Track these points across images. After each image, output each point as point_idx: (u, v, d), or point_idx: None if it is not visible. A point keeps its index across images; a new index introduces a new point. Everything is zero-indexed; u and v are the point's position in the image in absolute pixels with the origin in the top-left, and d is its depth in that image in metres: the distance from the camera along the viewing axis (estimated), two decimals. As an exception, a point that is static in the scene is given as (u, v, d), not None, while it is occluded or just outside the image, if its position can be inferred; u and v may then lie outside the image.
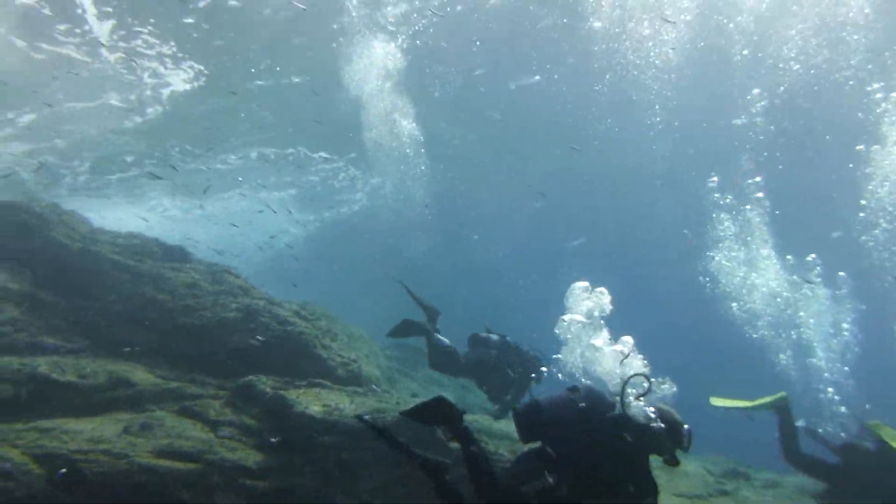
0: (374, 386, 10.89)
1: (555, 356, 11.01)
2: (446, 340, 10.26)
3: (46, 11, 12.40)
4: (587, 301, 7.19)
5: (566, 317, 7.96)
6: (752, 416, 9.86)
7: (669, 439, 4.46)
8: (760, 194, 16.16)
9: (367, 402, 9.05)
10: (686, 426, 4.49)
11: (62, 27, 12.98)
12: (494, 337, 10.10)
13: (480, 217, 31.35)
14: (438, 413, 4.66)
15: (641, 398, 4.60)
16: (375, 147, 19.44)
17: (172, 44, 14.11)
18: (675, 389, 5.02)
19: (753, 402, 9.66)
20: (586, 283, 8.22)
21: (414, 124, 18.19)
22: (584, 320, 7.59)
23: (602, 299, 7.70)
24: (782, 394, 9.63)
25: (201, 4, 12.96)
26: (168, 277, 11.12)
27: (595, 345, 7.41)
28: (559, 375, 9.01)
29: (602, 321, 7.14)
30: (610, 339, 7.22)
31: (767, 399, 9.67)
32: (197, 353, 10.23)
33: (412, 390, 14.66)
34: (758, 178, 16.66)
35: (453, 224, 30.84)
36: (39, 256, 10.84)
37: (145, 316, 10.53)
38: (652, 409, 4.59)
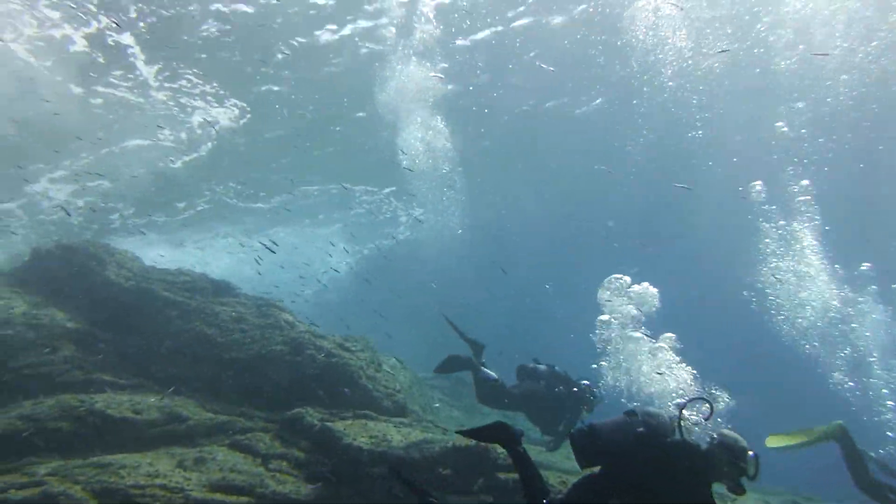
0: (419, 416, 10.86)
1: (594, 365, 10.85)
2: (493, 373, 10.13)
3: (100, 59, 13.06)
4: (626, 298, 7.07)
5: (604, 317, 7.80)
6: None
7: (733, 466, 4.30)
8: (807, 197, 15.62)
9: (413, 433, 9.04)
10: (751, 452, 4.31)
11: (116, 72, 13.64)
12: (542, 367, 9.92)
13: (519, 243, 31.30)
14: (497, 434, 4.63)
15: (702, 422, 4.48)
16: (415, 177, 19.67)
17: (215, 84, 14.65)
18: (732, 402, 4.88)
19: (810, 437, 9.26)
20: (626, 278, 7.98)
21: (450, 147, 18.35)
22: (625, 313, 7.40)
23: (646, 296, 7.52)
24: (838, 423, 9.23)
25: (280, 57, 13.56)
26: (216, 312, 11.39)
27: (634, 336, 7.22)
28: (599, 387, 8.84)
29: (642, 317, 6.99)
30: (650, 338, 7.00)
31: (823, 429, 9.27)
32: (245, 386, 10.40)
33: (456, 420, 14.58)
34: (805, 182, 16.12)
35: (493, 251, 30.84)
36: (95, 295, 11.25)
37: (195, 351, 10.78)
38: (715, 434, 4.46)
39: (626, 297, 7.88)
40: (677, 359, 6.21)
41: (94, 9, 11.71)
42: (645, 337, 6.85)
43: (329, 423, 8.68)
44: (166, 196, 20.96)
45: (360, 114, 17.27)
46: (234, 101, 15.61)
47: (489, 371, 10.18)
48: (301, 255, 29.90)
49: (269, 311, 11.83)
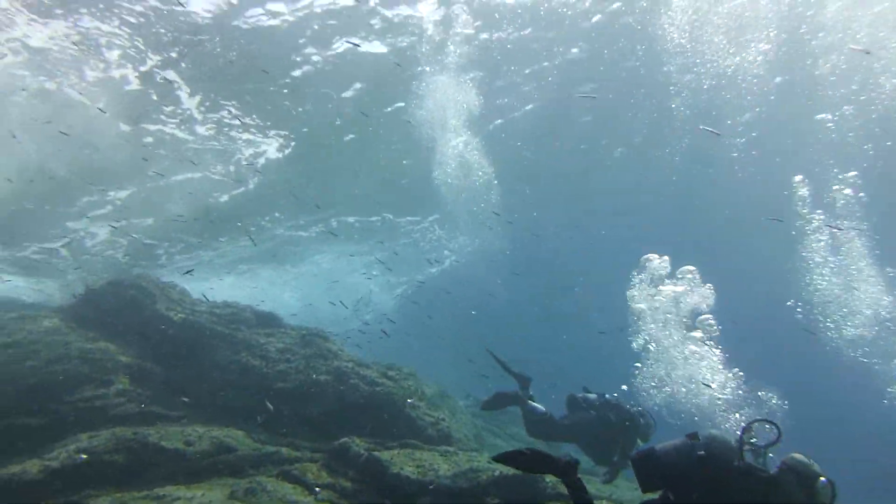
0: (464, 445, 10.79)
1: (636, 364, 10.62)
2: (541, 407, 9.92)
3: (154, 97, 13.48)
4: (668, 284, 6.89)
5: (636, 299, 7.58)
6: None
7: (804, 494, 4.09)
8: (853, 199, 14.97)
9: (460, 461, 8.98)
10: (823, 479, 4.07)
11: (166, 108, 14.03)
12: (592, 396, 9.59)
13: (562, 266, 30.87)
14: (551, 465, 4.45)
15: (769, 445, 4.32)
16: (456, 204, 19.74)
17: (255, 116, 14.95)
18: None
19: None
20: (663, 258, 7.69)
21: (493, 176, 18.37)
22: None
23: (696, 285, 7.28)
24: None
25: (296, 73, 13.75)
26: (262, 343, 11.59)
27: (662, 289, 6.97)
28: (651, 415, 8.61)
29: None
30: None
31: None
32: (291, 415, 10.52)
33: (500, 448, 14.40)
34: (852, 173, 15.39)
35: (536, 274, 30.54)
36: (145, 329, 11.57)
37: (242, 382, 10.97)
38: (785, 458, 4.27)
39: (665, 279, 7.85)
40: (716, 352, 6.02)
41: (143, 47, 12.10)
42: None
43: (376, 453, 8.69)
44: (211, 231, 21.40)
45: (396, 145, 17.40)
46: (276, 132, 15.90)
47: (537, 404, 9.99)
48: (346, 287, 30.16)
49: (313, 341, 11.99)
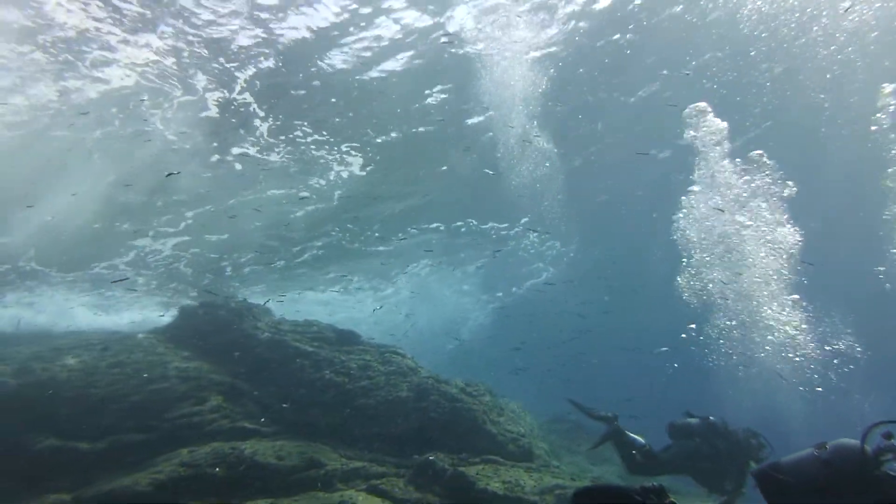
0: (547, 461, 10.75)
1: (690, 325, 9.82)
2: (640, 439, 9.53)
3: (233, 120, 14.03)
4: None
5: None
6: None
7: None
8: None
9: (544, 478, 8.99)
10: None
11: (241, 132, 14.56)
12: (695, 421, 8.86)
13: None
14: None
15: None
16: (545, 207, 19.30)
17: (324, 133, 15.19)
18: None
19: None
20: None
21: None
22: None
23: None
24: None
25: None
26: (343, 361, 11.93)
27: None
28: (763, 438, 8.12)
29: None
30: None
31: None
32: (374, 432, 10.77)
33: (578, 465, 14.24)
34: None
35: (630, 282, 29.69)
36: (235, 348, 12.11)
37: (326, 398, 11.32)
38: None
39: None
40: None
41: (234, 70, 12.62)
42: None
43: (461, 469, 8.80)
44: (285, 245, 21.62)
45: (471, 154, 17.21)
46: (352, 149, 15.94)
47: (635, 437, 9.55)
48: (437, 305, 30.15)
49: (392, 358, 12.25)
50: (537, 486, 8.38)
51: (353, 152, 16.19)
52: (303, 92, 13.65)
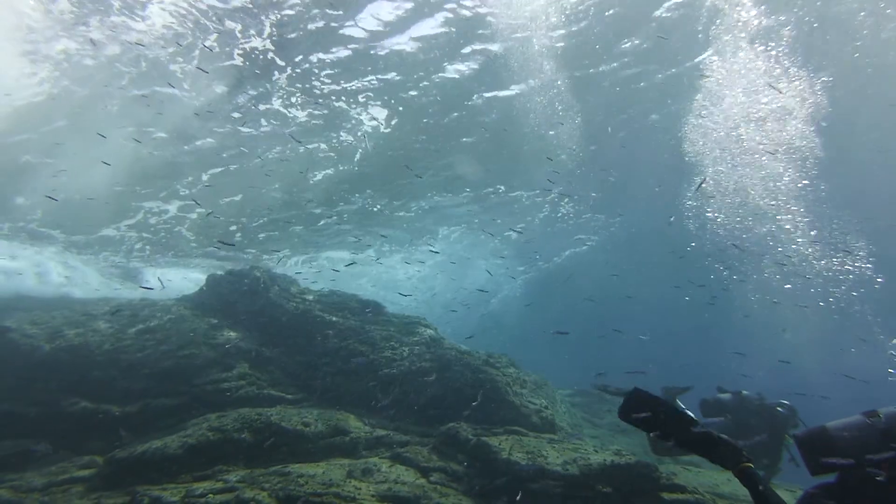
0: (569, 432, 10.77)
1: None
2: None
3: (256, 71, 13.58)
4: None
5: None
6: None
7: None
8: None
9: (567, 449, 8.98)
10: None
11: (264, 85, 13.87)
12: (727, 397, 8.60)
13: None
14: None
15: None
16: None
17: (343, 81, 14.65)
18: None
19: None
20: None
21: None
22: None
23: None
24: None
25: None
26: (367, 331, 12.01)
27: None
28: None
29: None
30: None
31: None
32: (397, 401, 10.86)
33: (601, 437, 14.26)
34: None
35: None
36: (261, 317, 12.27)
37: (350, 367, 11.43)
38: None
39: None
40: None
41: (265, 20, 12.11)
42: None
43: (484, 438, 8.85)
44: (301, 208, 20.93)
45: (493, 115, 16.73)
46: (379, 104, 15.12)
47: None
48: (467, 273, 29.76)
49: (415, 329, 12.31)
50: (561, 457, 8.39)
51: (376, 105, 15.28)
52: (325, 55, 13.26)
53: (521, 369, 13.08)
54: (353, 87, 14.53)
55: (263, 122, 15.16)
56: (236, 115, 14.64)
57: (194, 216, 19.82)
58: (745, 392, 8.26)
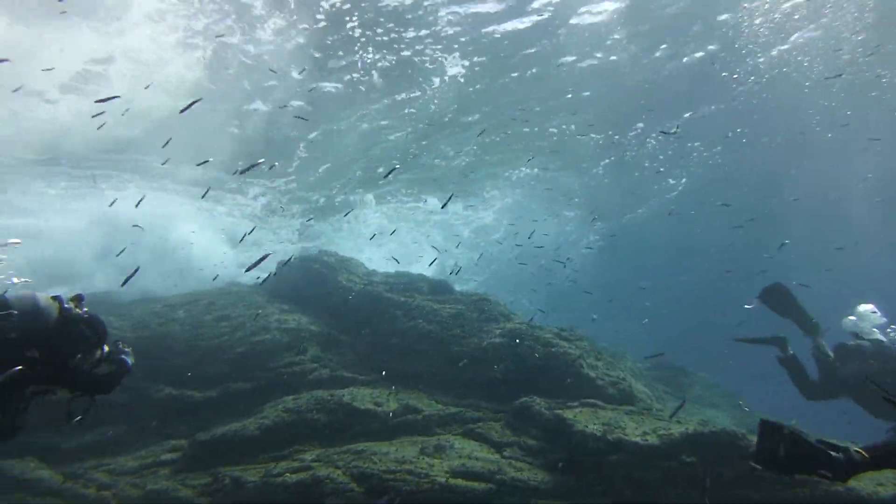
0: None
1: None
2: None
3: (329, 40, 12.73)
4: None
5: None
6: None
7: None
8: None
9: (645, 420, 8.60)
10: None
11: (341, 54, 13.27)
12: (866, 343, 8.06)
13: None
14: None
15: None
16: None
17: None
18: None
19: None
20: None
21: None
22: None
23: None
24: None
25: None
26: (436, 310, 11.91)
27: None
28: None
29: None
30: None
31: None
32: (468, 378, 10.72)
33: (684, 411, 13.66)
34: None
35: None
36: (330, 300, 12.40)
37: (420, 347, 11.38)
38: None
39: None
40: None
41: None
42: None
43: (558, 411, 8.58)
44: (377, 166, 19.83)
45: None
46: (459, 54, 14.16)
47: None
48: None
49: (484, 306, 12.10)
50: (639, 428, 8.02)
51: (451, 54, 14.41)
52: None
53: (596, 341, 12.68)
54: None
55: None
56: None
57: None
58: (883, 339, 7.73)
